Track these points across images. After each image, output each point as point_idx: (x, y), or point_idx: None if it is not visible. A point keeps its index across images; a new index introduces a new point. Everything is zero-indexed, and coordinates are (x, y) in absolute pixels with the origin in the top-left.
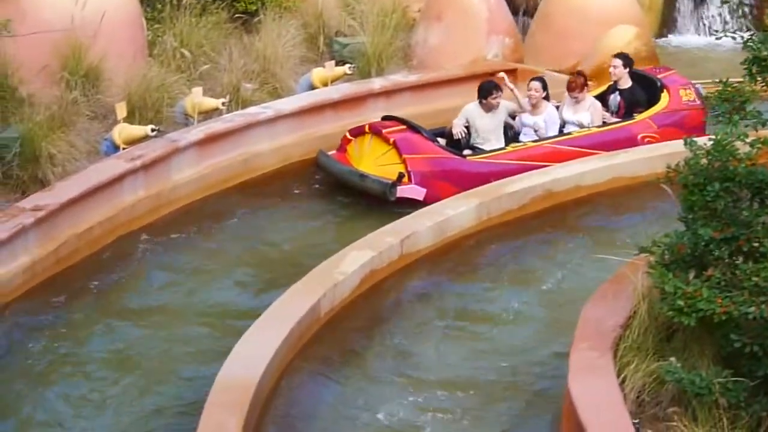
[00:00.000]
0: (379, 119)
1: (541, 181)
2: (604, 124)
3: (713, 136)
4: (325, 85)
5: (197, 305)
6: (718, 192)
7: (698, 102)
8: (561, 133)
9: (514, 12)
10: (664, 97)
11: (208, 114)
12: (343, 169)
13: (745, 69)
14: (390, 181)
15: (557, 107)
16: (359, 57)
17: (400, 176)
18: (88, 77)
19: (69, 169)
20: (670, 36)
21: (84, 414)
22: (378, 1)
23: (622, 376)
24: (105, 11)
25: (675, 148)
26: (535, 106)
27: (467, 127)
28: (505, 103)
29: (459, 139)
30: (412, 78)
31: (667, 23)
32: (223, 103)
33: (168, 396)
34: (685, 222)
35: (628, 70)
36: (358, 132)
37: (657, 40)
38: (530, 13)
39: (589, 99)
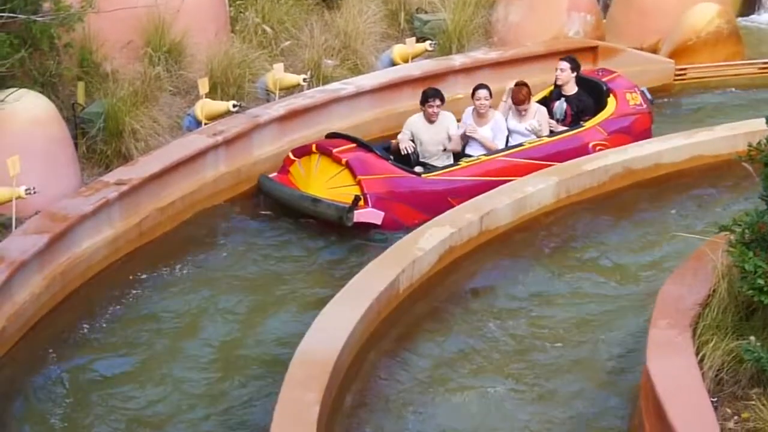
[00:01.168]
0: (324, 137)
1: (621, 159)
2: (551, 132)
3: None
4: (406, 61)
5: (278, 272)
6: None
7: (645, 106)
8: (507, 144)
9: None
10: (611, 102)
11: (289, 90)
12: (293, 194)
13: None
14: (346, 206)
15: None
16: (440, 34)
17: (356, 199)
18: (170, 53)
19: (152, 143)
20: (754, 15)
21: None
22: None
23: (701, 354)
24: None
25: (757, 126)
26: (482, 116)
27: (413, 140)
28: (447, 115)
29: (407, 155)
30: (493, 55)
31: (751, 1)
32: (304, 80)
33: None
34: (766, 200)
35: (575, 75)
36: (303, 152)
37: (740, 19)
38: None
39: (534, 107)
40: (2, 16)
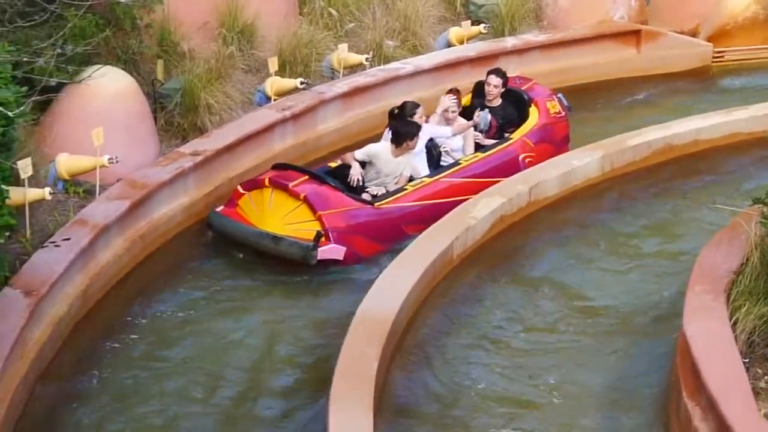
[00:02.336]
0: (270, 169)
1: (662, 135)
2: (477, 145)
3: None
4: (461, 43)
5: None
6: None
7: (563, 113)
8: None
9: None
10: (533, 112)
11: (352, 69)
12: (251, 232)
13: None
14: (310, 244)
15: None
16: (493, 17)
17: (318, 236)
18: (243, 33)
19: (225, 117)
20: None
21: None
22: None
23: (734, 318)
24: None
25: None
26: (449, 122)
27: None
28: (412, 153)
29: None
30: (542, 38)
31: None
32: (366, 59)
33: None
34: None
35: (504, 89)
36: (253, 185)
37: None
38: None
39: (459, 120)
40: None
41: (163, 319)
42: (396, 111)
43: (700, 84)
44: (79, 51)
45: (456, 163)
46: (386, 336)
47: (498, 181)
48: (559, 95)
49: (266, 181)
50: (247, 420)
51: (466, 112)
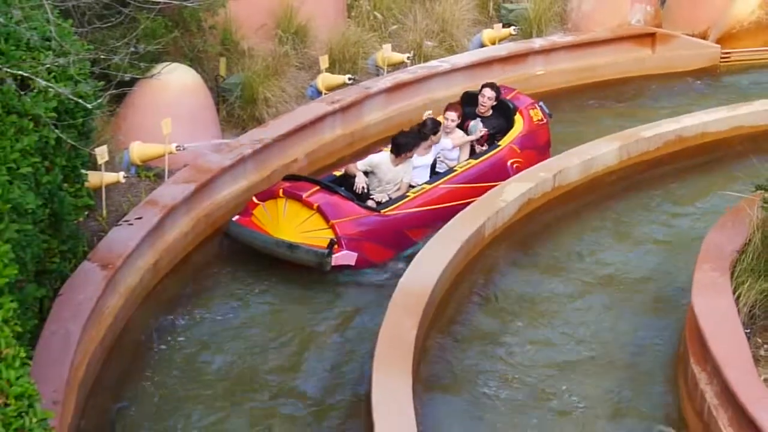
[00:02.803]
0: (281, 180)
1: (673, 128)
2: (473, 152)
3: None
4: (493, 43)
5: None
6: None
7: (545, 120)
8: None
9: None
10: (518, 120)
11: (395, 66)
12: (268, 240)
13: None
14: (325, 251)
15: None
16: (522, 21)
17: (332, 243)
18: (297, 34)
19: (280, 109)
20: None
21: None
22: None
23: (737, 293)
24: None
25: None
26: (448, 134)
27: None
28: (410, 161)
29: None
30: (567, 39)
31: None
32: (408, 57)
33: None
34: None
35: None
36: (267, 196)
37: None
38: None
39: (457, 131)
40: (159, 3)
41: (224, 293)
42: (419, 125)
43: (708, 82)
44: (150, 49)
45: (451, 170)
46: (423, 307)
47: (490, 186)
48: (540, 103)
49: (280, 192)
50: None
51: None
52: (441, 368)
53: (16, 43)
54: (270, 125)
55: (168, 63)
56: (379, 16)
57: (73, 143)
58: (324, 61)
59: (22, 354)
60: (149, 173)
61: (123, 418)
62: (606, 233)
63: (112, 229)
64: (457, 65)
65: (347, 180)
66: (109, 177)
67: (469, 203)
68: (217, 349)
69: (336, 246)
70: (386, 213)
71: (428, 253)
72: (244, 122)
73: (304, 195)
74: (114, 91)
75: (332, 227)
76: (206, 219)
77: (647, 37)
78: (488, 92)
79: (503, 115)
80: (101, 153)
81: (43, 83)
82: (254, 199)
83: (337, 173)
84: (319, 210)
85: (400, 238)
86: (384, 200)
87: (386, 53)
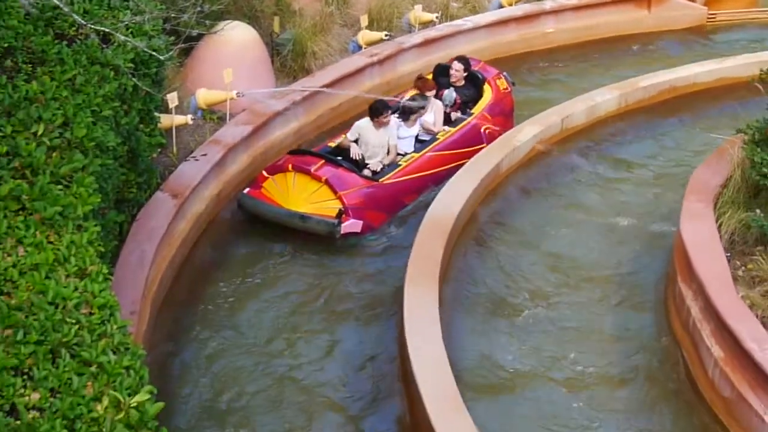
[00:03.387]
0: (287, 154)
1: (667, 78)
2: (448, 118)
3: None
4: (511, 5)
5: None
6: None
7: (509, 88)
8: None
9: None
10: (487, 89)
11: (425, 24)
12: (281, 212)
13: None
14: (335, 221)
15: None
16: None
17: (341, 213)
18: (341, 0)
19: (326, 62)
20: None
21: None
22: None
23: (720, 221)
24: None
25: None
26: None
27: (356, 141)
28: (392, 123)
29: (347, 152)
30: (574, 1)
31: None
32: (436, 17)
33: None
34: None
35: (466, 73)
36: (277, 170)
37: None
38: None
39: (432, 99)
40: None
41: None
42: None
43: (696, 38)
44: (214, 9)
45: (434, 138)
46: (448, 232)
47: (469, 151)
48: (505, 73)
49: (289, 167)
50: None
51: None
52: (462, 284)
53: (99, 3)
54: (317, 75)
55: (229, 21)
56: None
57: (147, 90)
58: (364, 20)
59: (104, 270)
60: (213, 116)
61: (190, 330)
62: (606, 167)
63: (181, 164)
64: (479, 24)
65: (342, 151)
66: (179, 119)
67: (452, 168)
68: (274, 277)
69: (344, 215)
70: (383, 182)
71: (452, 187)
72: (295, 72)
73: (312, 169)
74: (183, 45)
75: (339, 198)
76: (261, 156)
77: (644, 0)
78: (457, 65)
79: (474, 85)
80: (172, 98)
81: (122, 38)
82: (264, 172)
83: (332, 144)
84: (327, 182)
85: (396, 203)
86: (379, 169)
87: (417, 13)
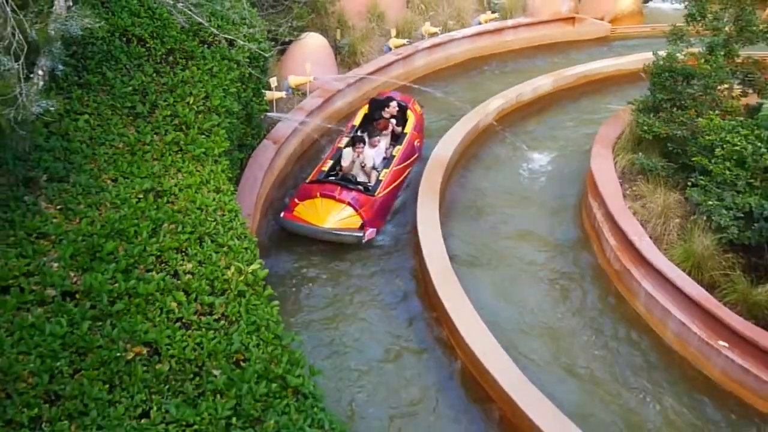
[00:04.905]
0: (308, 182)
1: (583, 69)
2: (397, 136)
3: (664, 51)
4: (486, 22)
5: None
6: (667, 77)
7: (421, 111)
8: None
9: None
10: (410, 114)
11: (432, 35)
12: (317, 230)
13: (685, 18)
14: (361, 233)
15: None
16: (501, 9)
17: (362, 225)
18: (379, 17)
19: (369, 58)
20: (650, 3)
21: None
22: None
23: (615, 160)
24: None
25: (649, 57)
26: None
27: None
28: (368, 152)
29: (335, 172)
30: (526, 20)
31: None
32: (438, 30)
33: None
34: (651, 91)
35: (398, 109)
36: (306, 196)
37: (644, 4)
38: None
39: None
40: None
41: None
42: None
43: (603, 44)
44: (299, 24)
45: (393, 156)
46: (445, 166)
47: (411, 162)
48: (414, 100)
49: (318, 194)
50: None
51: (368, 120)
52: (453, 201)
53: (226, 20)
54: (364, 67)
55: (309, 32)
56: (423, 6)
57: (258, 76)
58: (393, 32)
59: (231, 188)
60: (298, 92)
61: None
62: (544, 127)
63: (278, 123)
64: (465, 35)
65: (342, 172)
66: (277, 94)
67: (406, 176)
68: None
69: (365, 227)
70: (378, 195)
71: (448, 137)
72: (349, 65)
73: (336, 195)
74: (279, 47)
75: (359, 214)
76: (328, 119)
77: (570, 20)
78: (394, 104)
79: (400, 110)
80: (273, 81)
81: (241, 43)
82: (295, 200)
83: (324, 168)
84: (350, 204)
85: (388, 210)
86: (370, 185)
87: (427, 27)
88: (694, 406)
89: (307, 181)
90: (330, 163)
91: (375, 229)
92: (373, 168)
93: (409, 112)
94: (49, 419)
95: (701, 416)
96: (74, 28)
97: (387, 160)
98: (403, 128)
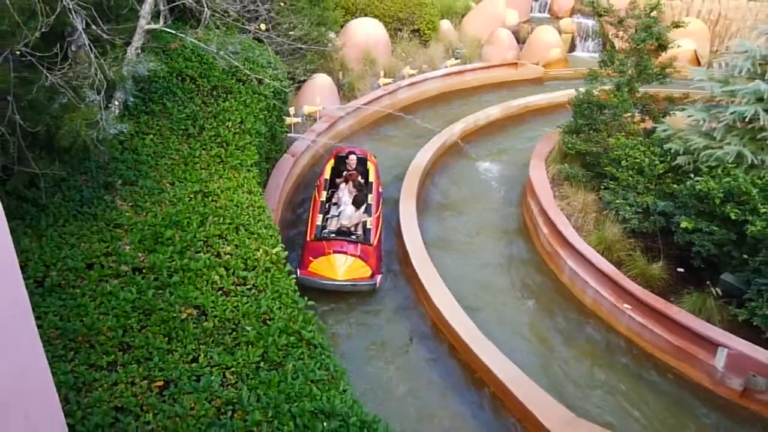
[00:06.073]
0: (312, 239)
1: (525, 101)
2: (360, 189)
3: (584, 88)
4: (451, 66)
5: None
6: (585, 107)
7: (376, 160)
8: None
9: (519, 41)
10: (370, 165)
11: (411, 75)
12: (335, 283)
13: (599, 63)
14: (373, 281)
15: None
16: (463, 57)
17: (372, 274)
18: (371, 62)
19: (364, 92)
20: (574, 52)
21: None
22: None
23: (547, 170)
24: (377, 40)
25: (572, 93)
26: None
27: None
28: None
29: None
30: (481, 65)
31: (573, 45)
32: (415, 72)
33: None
34: (574, 117)
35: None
36: (318, 254)
37: (569, 53)
38: (523, 40)
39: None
40: (315, 48)
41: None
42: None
43: (538, 84)
44: (311, 68)
45: (369, 205)
46: (421, 172)
47: (378, 206)
48: (370, 152)
49: (331, 251)
50: None
51: (335, 173)
52: (427, 199)
53: (257, 64)
54: (360, 99)
55: (318, 73)
56: (404, 54)
57: (280, 105)
58: (382, 73)
59: (260, 190)
60: (310, 119)
61: (299, 219)
62: (497, 143)
63: (295, 141)
64: (436, 75)
65: (341, 227)
66: (294, 120)
67: (378, 223)
68: None
69: (374, 275)
70: (373, 243)
71: (423, 152)
72: (349, 98)
73: (349, 251)
74: (296, 84)
75: (369, 265)
76: (333, 138)
77: (514, 64)
78: (353, 157)
79: (360, 163)
80: (291, 110)
81: (267, 81)
82: (310, 257)
83: (319, 223)
84: (359, 257)
85: (380, 254)
86: (361, 235)
87: (406, 70)
88: (601, 345)
89: (310, 238)
90: (320, 217)
91: (380, 275)
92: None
93: (368, 163)
94: (123, 363)
95: (612, 361)
96: (142, 70)
97: (366, 208)
98: (367, 178)
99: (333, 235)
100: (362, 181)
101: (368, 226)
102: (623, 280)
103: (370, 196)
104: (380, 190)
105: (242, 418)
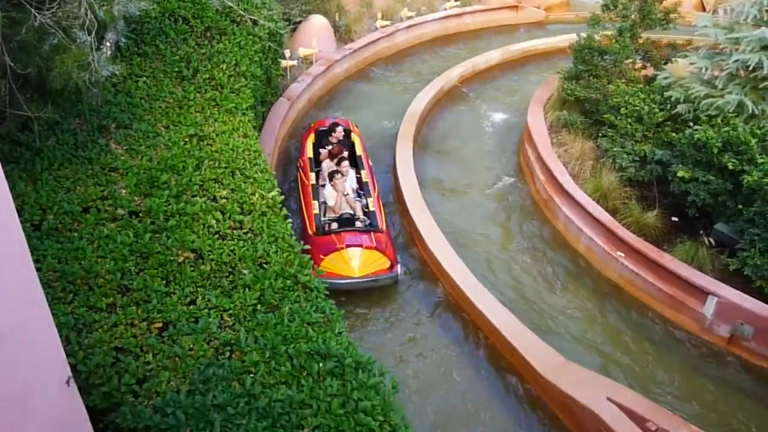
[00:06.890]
0: (315, 234)
1: (525, 46)
2: (350, 157)
3: (585, 34)
4: (451, 8)
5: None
6: (586, 53)
7: (358, 129)
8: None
9: None
10: (354, 136)
11: (408, 18)
12: (356, 281)
13: (601, 7)
14: (394, 273)
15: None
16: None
17: (392, 266)
18: (368, 3)
19: (361, 35)
20: None
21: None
22: None
23: (546, 115)
24: None
25: (573, 37)
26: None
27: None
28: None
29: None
30: (481, 7)
31: None
32: (414, 14)
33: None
34: (574, 63)
35: (344, 133)
36: (329, 251)
37: None
38: None
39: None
40: None
41: (345, 106)
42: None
43: (540, 27)
44: (307, 8)
45: (367, 185)
46: (417, 119)
47: (375, 186)
48: (352, 122)
49: (344, 246)
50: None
51: (317, 146)
52: (424, 143)
53: (251, 5)
54: (357, 42)
55: (314, 14)
56: None
57: (275, 48)
58: (379, 15)
59: (256, 134)
60: (306, 61)
61: (292, 163)
62: (495, 89)
63: (291, 84)
64: (434, 18)
65: (335, 213)
66: (290, 62)
67: (379, 203)
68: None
69: (394, 266)
70: (384, 230)
71: (421, 96)
72: (345, 41)
73: (365, 244)
74: (291, 26)
75: (386, 255)
76: (329, 81)
77: (514, 7)
78: (339, 129)
79: (346, 135)
80: (287, 52)
81: (262, 22)
82: (321, 256)
83: (316, 211)
84: (375, 248)
85: (392, 239)
86: (368, 221)
87: (405, 12)
88: (595, 297)
89: (312, 232)
90: (315, 204)
91: (399, 265)
92: (357, 198)
93: (353, 135)
94: (122, 305)
95: (603, 308)
96: (133, 10)
97: (360, 185)
98: (354, 150)
99: (336, 225)
100: (345, 155)
101: (371, 208)
102: (617, 227)
103: (363, 173)
104: (370, 163)
105: (240, 359)
